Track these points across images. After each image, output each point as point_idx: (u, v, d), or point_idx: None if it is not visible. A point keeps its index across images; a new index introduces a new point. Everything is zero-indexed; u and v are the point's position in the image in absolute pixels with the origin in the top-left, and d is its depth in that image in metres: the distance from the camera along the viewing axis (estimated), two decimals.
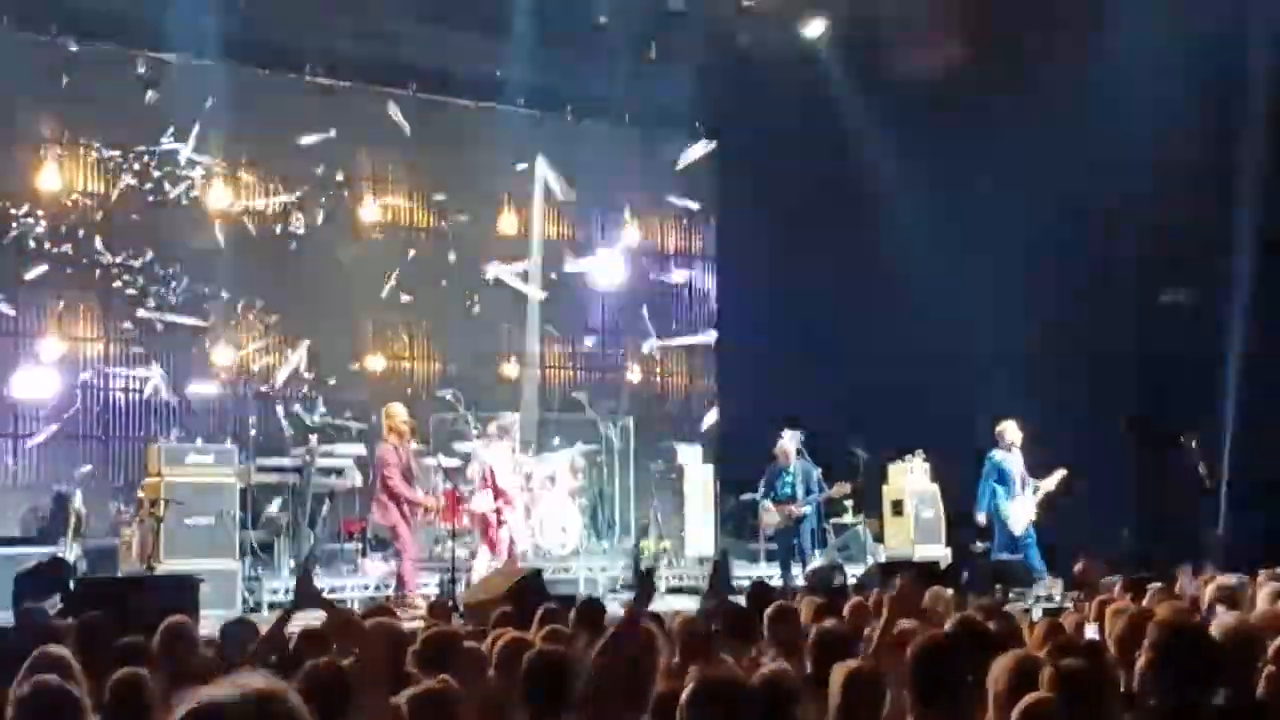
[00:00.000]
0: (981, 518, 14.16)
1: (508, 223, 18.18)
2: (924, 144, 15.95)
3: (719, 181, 19.47)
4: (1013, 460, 14.04)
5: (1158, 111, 13.92)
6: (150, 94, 15.48)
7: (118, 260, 15.64)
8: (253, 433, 14.29)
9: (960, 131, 15.44)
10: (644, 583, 4.33)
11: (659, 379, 19.68)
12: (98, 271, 15.63)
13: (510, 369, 18.19)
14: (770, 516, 14.46)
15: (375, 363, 17.18)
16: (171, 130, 15.70)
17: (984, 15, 15.51)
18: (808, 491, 14.23)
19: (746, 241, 18.65)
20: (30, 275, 15.22)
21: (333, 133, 16.37)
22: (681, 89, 17.88)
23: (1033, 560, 13.65)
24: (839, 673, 4.45)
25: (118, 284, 15.68)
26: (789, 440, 14.35)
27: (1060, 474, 13.88)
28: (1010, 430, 14.06)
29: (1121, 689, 4.90)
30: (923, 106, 16.07)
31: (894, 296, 16.36)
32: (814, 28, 17.23)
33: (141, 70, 15.56)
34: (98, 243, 15.54)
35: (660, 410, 19.02)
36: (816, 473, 14.45)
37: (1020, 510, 13.89)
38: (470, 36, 16.63)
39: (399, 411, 12.88)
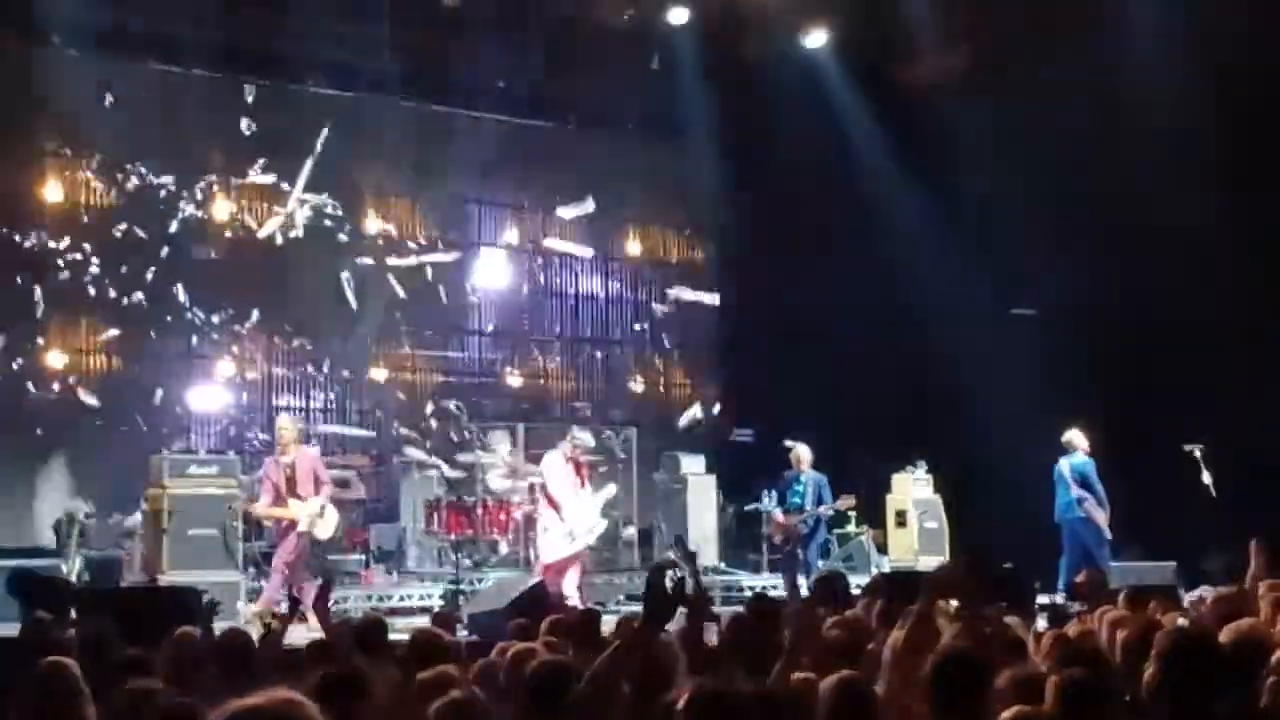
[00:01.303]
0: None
1: (511, 234, 18.24)
2: (927, 151, 15.96)
3: (722, 191, 19.47)
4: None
5: (1162, 112, 13.96)
6: (246, 122, 15.21)
7: (214, 320, 15.34)
8: (256, 444, 14.29)
9: (964, 138, 15.44)
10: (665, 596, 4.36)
11: (663, 389, 19.65)
12: (194, 339, 15.29)
13: (514, 379, 18.19)
14: (778, 525, 14.47)
15: (378, 373, 17.17)
16: (263, 161, 15.53)
17: (985, 20, 15.53)
18: (818, 502, 14.24)
19: (750, 251, 18.65)
20: (104, 337, 15.02)
21: (591, 204, 16.52)
22: (685, 99, 17.86)
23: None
24: (829, 683, 4.43)
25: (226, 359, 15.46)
26: (803, 449, 14.37)
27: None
28: (1078, 436, 14.02)
29: (1127, 699, 4.89)
30: (925, 114, 16.09)
31: (898, 305, 16.37)
32: (816, 38, 17.26)
33: (250, 98, 15.38)
34: (181, 293, 15.08)
35: (664, 420, 18.98)
36: (826, 484, 14.48)
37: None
38: (472, 46, 16.61)
39: (279, 421, 12.65)
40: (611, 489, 14.02)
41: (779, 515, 14.36)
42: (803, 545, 14.22)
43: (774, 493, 14.58)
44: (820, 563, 14.58)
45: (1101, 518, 13.83)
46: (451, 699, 4.38)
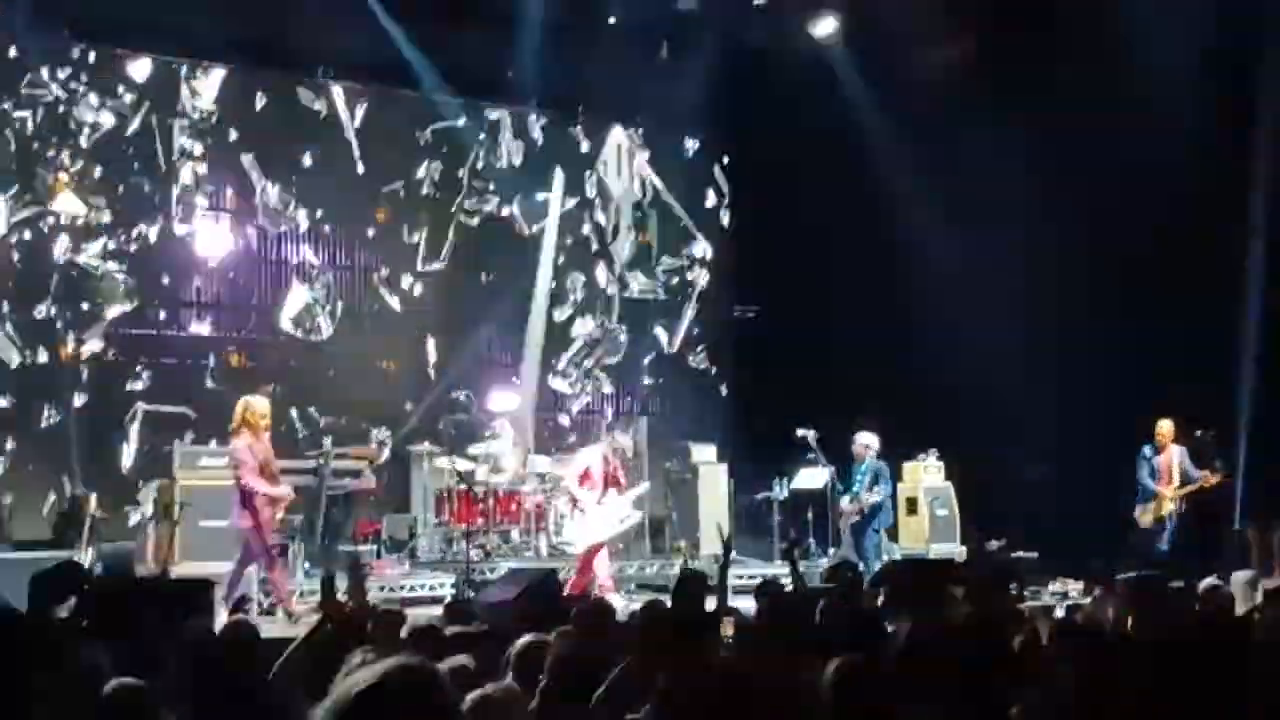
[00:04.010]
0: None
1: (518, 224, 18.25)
2: (938, 141, 15.92)
3: (730, 181, 19.45)
4: (1158, 459, 14.04)
5: (1174, 106, 13.93)
6: None
7: None
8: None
9: (975, 129, 15.39)
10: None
11: (673, 378, 19.59)
12: None
13: (526, 369, 18.17)
14: (838, 512, 14.88)
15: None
16: None
17: (998, 11, 15.50)
18: (871, 489, 14.51)
19: (759, 239, 18.63)
20: None
21: None
22: (693, 89, 17.83)
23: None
24: (831, 667, 4.43)
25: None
26: (867, 437, 14.58)
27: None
28: (1160, 424, 14.04)
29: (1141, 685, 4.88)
30: (936, 104, 16.05)
31: (908, 294, 16.34)
32: (825, 26, 17.23)
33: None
34: None
35: (675, 410, 18.97)
36: (885, 471, 14.68)
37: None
38: (481, 37, 16.57)
39: (258, 405, 11.71)
40: (645, 485, 14.13)
41: (842, 503, 14.61)
42: (858, 532, 14.49)
43: (782, 478, 14.69)
44: (843, 550, 14.76)
45: (1139, 509, 13.89)
46: (486, 692, 4.39)
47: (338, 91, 16.62)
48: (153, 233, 15.65)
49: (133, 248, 15.51)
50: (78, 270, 15.16)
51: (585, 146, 18.57)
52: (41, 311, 15.01)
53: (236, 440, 11.43)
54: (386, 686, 2.10)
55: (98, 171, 15.30)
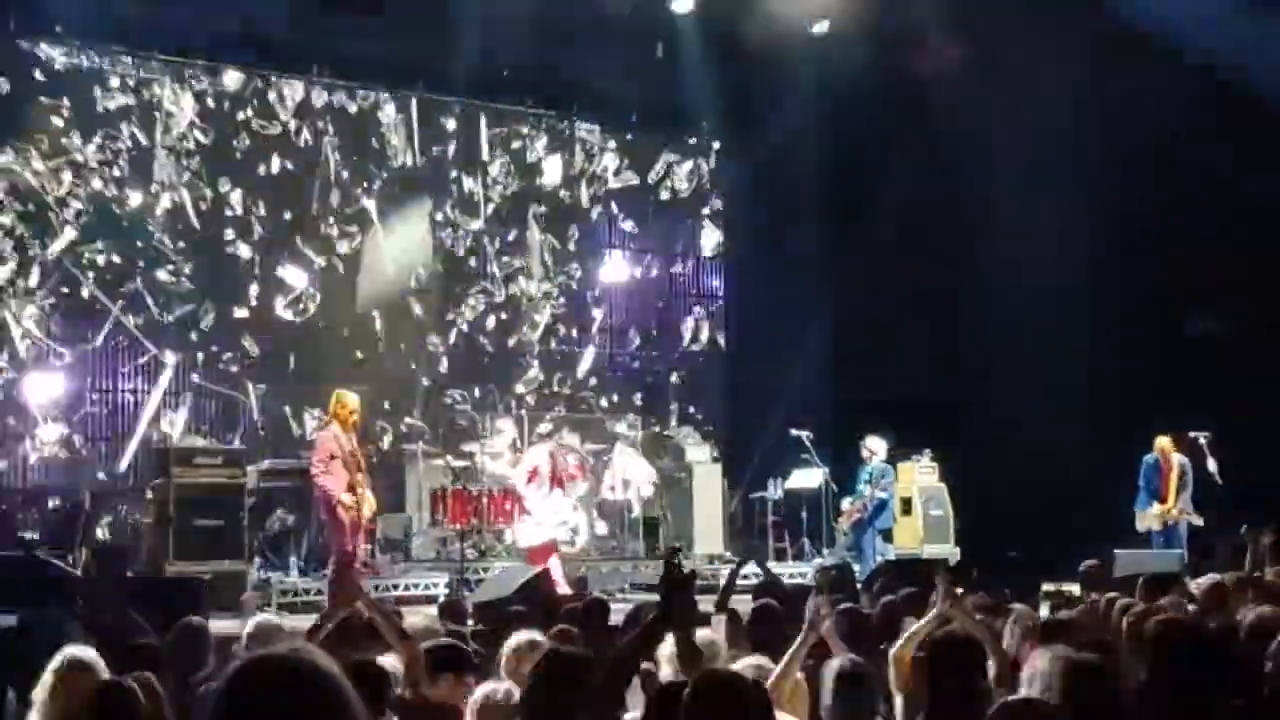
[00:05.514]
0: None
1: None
2: (932, 140, 15.93)
3: (727, 181, 19.45)
4: (1158, 476, 13.95)
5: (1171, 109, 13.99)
6: None
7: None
8: (261, 433, 14.27)
9: (970, 127, 15.42)
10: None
11: (666, 379, 19.58)
12: None
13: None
14: (843, 514, 15.03)
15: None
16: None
17: (993, 11, 15.52)
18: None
19: (754, 240, 18.63)
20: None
21: None
22: (689, 88, 17.81)
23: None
24: (830, 667, 4.46)
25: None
26: (874, 441, 14.72)
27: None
28: (1160, 438, 13.94)
29: (1134, 686, 4.89)
30: (930, 102, 16.06)
31: (904, 295, 16.36)
32: (821, 26, 17.21)
33: None
34: None
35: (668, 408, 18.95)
36: (890, 473, 14.74)
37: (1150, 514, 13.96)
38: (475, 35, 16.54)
39: (349, 399, 11.62)
40: (583, 487, 14.13)
41: (843, 504, 14.83)
42: (860, 531, 14.55)
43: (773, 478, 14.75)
44: (838, 550, 14.80)
45: (1138, 515, 13.82)
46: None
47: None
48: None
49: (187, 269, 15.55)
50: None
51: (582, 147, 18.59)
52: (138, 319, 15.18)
53: (324, 431, 11.70)
54: (247, 676, 2.11)
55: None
